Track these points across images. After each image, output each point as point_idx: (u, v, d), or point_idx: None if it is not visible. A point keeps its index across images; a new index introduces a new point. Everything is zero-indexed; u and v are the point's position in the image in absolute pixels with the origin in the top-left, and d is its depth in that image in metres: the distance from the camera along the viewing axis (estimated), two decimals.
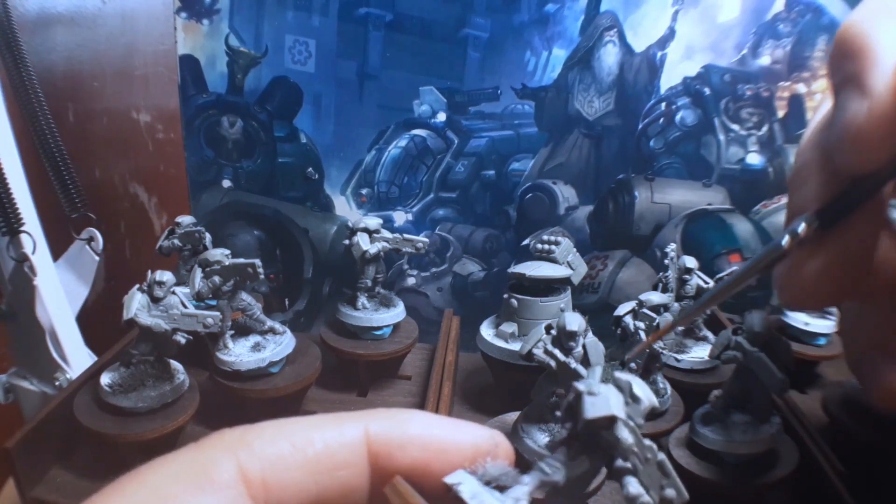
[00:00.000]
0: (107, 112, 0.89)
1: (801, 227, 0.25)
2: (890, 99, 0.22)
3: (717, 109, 0.75)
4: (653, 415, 0.22)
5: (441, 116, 0.78)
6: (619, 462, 0.21)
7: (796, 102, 0.74)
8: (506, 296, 0.61)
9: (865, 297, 0.27)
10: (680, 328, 0.61)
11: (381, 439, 0.20)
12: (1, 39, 0.67)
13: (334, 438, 0.20)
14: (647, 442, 0.21)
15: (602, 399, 0.21)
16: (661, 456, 0.21)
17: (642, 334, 0.53)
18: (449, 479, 0.20)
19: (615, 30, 0.73)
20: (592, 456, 0.22)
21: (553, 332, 0.48)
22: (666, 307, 0.55)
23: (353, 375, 0.64)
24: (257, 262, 0.55)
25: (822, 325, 0.62)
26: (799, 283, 0.26)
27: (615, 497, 0.50)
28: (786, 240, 0.25)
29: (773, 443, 0.47)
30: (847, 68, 0.24)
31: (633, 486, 0.21)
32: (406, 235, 0.63)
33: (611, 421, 0.21)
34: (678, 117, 0.75)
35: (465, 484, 0.20)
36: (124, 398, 0.49)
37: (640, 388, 0.22)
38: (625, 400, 0.22)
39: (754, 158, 0.75)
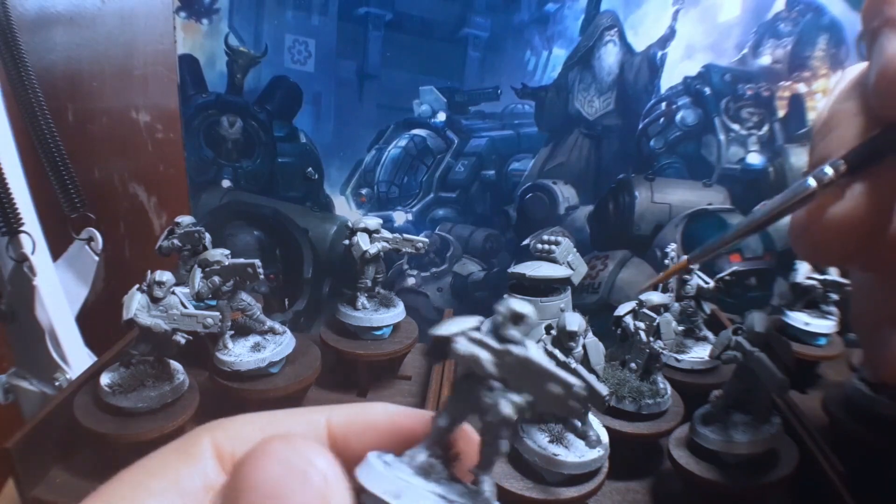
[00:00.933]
0: (106, 112, 0.89)
1: (829, 170, 0.24)
2: None
3: (718, 109, 0.75)
4: (519, 318, 0.21)
5: (441, 116, 0.78)
6: (506, 376, 0.20)
7: (797, 102, 0.74)
8: (506, 296, 0.61)
9: (882, 262, 0.26)
10: (680, 327, 0.61)
11: (341, 427, 0.22)
12: (0, 39, 0.67)
13: (297, 424, 0.22)
14: (510, 346, 0.20)
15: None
16: (525, 352, 0.20)
17: (642, 334, 0.53)
18: (358, 471, 0.20)
19: (615, 29, 0.73)
20: (465, 390, 0.21)
21: (553, 332, 0.48)
22: (666, 307, 0.55)
23: (353, 375, 0.64)
24: (257, 262, 0.55)
25: (823, 325, 0.62)
26: (821, 227, 0.25)
27: (615, 497, 0.50)
28: (812, 181, 0.25)
29: (774, 443, 0.47)
30: (886, 12, 0.24)
31: (507, 399, 0.20)
32: (406, 235, 0.63)
33: (440, 340, 0.20)
34: (678, 117, 0.75)
35: (368, 468, 0.20)
36: (124, 398, 0.49)
37: (503, 303, 0.21)
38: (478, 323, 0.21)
39: (755, 158, 0.75)
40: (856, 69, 0.27)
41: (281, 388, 0.55)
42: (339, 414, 0.22)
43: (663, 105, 0.75)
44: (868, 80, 0.25)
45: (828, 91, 0.62)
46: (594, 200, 0.79)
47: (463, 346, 0.20)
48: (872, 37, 0.25)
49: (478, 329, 0.21)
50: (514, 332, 0.20)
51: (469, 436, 0.22)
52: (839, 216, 0.25)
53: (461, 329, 0.20)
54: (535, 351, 0.20)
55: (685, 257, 0.30)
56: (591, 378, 0.20)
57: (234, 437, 0.20)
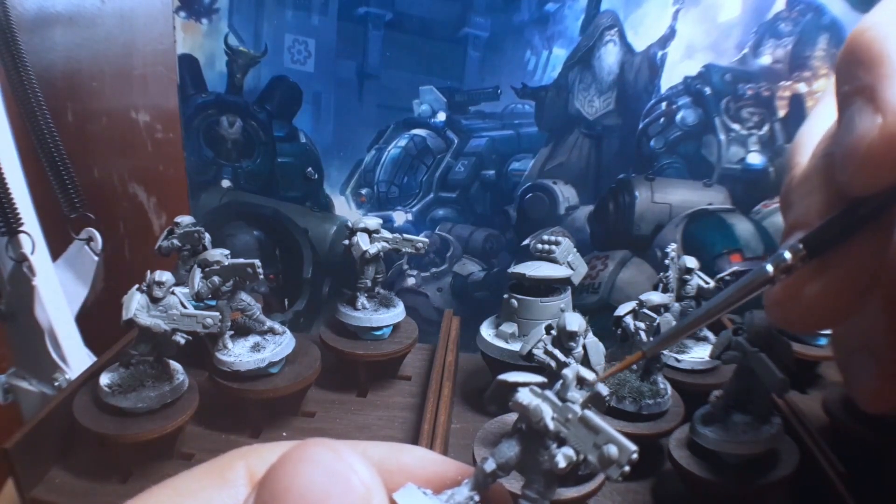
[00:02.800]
0: (106, 112, 0.89)
1: (788, 255, 0.23)
2: None
3: (718, 109, 0.74)
4: (583, 383, 0.23)
5: (441, 116, 0.77)
6: (563, 432, 0.21)
7: (797, 102, 0.74)
8: (506, 296, 0.61)
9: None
10: None
11: (374, 465, 0.22)
12: (0, 39, 0.67)
13: None
14: (569, 403, 0.21)
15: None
16: (583, 411, 0.21)
17: (643, 334, 0.53)
18: (396, 495, 0.21)
19: (616, 29, 0.73)
20: (522, 438, 0.23)
21: (553, 332, 0.48)
22: (666, 307, 0.55)
23: (352, 376, 0.64)
24: (257, 262, 0.55)
25: None
26: (798, 305, 0.24)
27: (615, 497, 0.50)
28: (770, 267, 0.24)
29: (774, 443, 0.47)
30: (860, 78, 0.22)
31: (562, 454, 0.21)
32: (406, 235, 0.63)
33: (507, 386, 0.22)
34: (679, 117, 0.75)
35: (407, 492, 0.21)
36: (123, 398, 0.49)
37: (570, 368, 0.23)
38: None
39: (755, 158, 0.75)
40: (830, 107, 0.25)
41: (281, 388, 0.55)
42: (373, 452, 0.22)
43: (663, 105, 0.75)
44: (835, 148, 0.23)
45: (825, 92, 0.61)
46: (594, 200, 0.79)
47: (527, 397, 0.21)
48: (844, 101, 0.23)
49: (541, 386, 0.22)
50: (576, 394, 0.22)
51: (503, 498, 0.23)
52: (815, 295, 0.24)
53: (526, 381, 0.22)
54: (595, 413, 0.21)
55: (644, 349, 0.29)
56: (621, 437, 0.20)
57: (269, 462, 0.20)
